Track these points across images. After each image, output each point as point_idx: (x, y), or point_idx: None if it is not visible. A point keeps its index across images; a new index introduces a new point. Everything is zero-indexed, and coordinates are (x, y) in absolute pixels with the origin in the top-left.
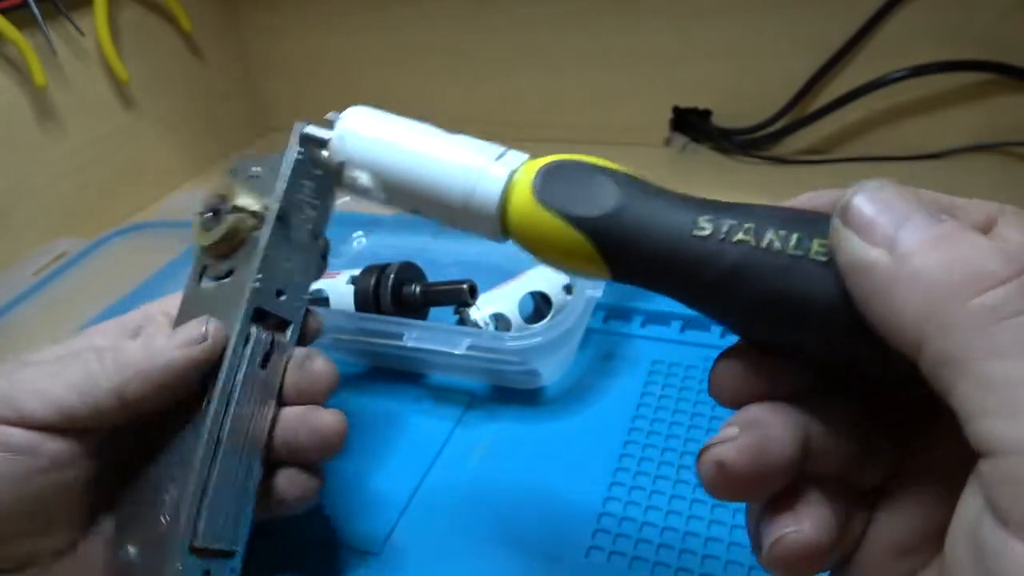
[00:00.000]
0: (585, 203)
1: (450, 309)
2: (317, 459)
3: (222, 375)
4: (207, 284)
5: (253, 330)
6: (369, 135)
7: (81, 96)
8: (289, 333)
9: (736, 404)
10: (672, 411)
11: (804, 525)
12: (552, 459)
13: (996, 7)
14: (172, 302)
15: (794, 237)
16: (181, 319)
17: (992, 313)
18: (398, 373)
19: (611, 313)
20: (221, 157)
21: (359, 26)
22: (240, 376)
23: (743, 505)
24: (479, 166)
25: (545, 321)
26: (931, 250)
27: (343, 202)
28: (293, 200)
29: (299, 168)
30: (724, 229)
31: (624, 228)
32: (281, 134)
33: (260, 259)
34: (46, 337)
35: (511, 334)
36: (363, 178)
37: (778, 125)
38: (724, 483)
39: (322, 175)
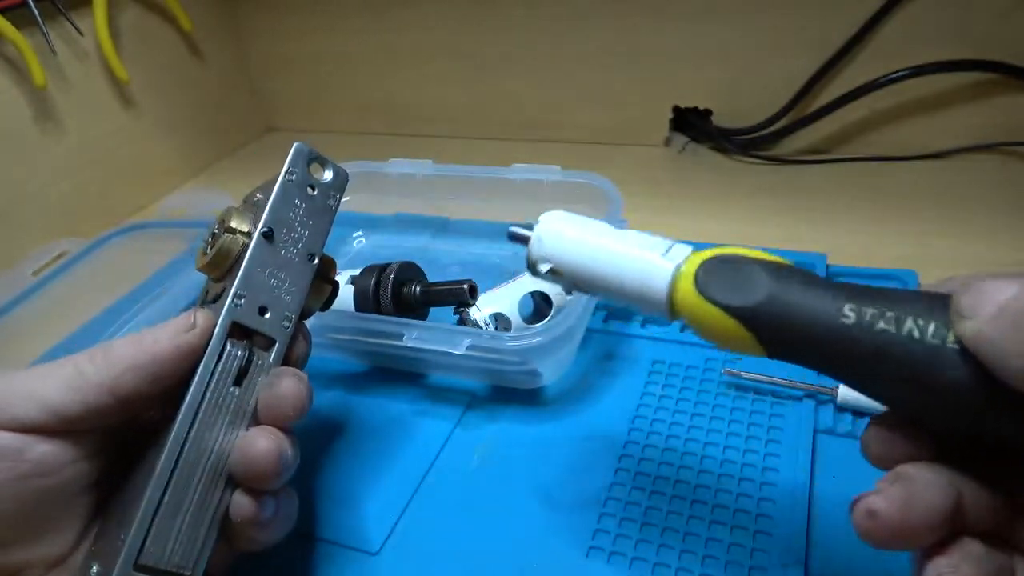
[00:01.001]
0: (739, 294)
1: (450, 309)
2: (253, 485)
3: (192, 387)
4: (207, 307)
5: (228, 345)
6: (562, 235)
7: (81, 96)
8: (273, 353)
9: (887, 465)
10: (672, 411)
11: (961, 570)
12: (552, 459)
13: (996, 7)
14: None
15: (931, 327)
16: None
17: None
18: (398, 373)
19: (611, 313)
20: (221, 157)
21: (359, 27)
22: (210, 390)
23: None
24: (649, 261)
25: (545, 321)
26: (1019, 291)
27: (342, 202)
28: (282, 219)
29: (289, 188)
30: (867, 317)
31: (775, 316)
32: (281, 134)
33: (241, 274)
34: (46, 337)
35: (511, 334)
36: (557, 270)
37: (778, 125)
38: (876, 529)
39: (318, 197)
